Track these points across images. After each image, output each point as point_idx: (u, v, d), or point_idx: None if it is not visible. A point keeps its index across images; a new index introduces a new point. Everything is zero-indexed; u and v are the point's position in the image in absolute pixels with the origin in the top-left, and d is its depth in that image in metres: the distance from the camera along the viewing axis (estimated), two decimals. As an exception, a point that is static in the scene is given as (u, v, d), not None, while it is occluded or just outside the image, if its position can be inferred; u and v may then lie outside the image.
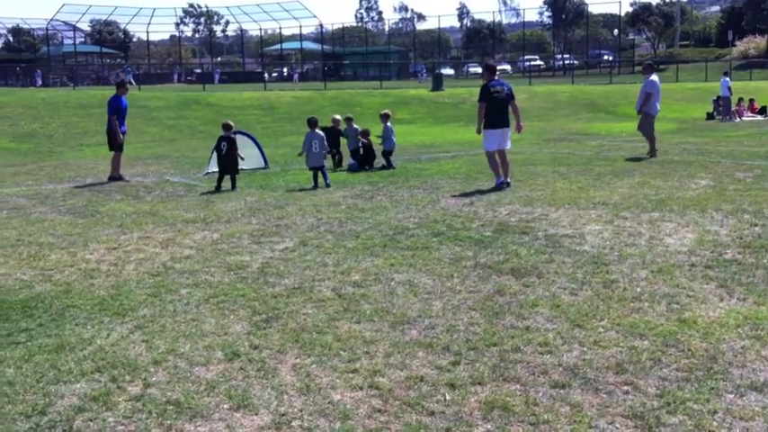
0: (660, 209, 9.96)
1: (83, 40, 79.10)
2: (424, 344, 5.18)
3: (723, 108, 30.79)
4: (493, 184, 12.50)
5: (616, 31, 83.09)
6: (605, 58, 76.16)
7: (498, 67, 61.83)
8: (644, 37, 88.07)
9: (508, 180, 12.64)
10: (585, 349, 4.98)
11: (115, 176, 14.96)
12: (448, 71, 67.79)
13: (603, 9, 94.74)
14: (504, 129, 12.88)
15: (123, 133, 15.38)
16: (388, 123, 16.45)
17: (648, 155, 16.81)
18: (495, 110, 12.75)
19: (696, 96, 40.22)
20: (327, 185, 13.15)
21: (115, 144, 15.19)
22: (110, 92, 15.85)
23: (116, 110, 15.22)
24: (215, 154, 14.86)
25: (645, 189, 11.78)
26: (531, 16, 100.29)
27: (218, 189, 13.22)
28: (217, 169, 14.21)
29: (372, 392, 4.41)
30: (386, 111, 17.33)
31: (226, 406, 4.28)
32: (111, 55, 77.98)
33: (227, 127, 14.06)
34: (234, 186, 13.33)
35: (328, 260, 7.67)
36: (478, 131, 13.09)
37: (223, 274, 7.19)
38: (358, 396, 4.38)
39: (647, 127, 17.50)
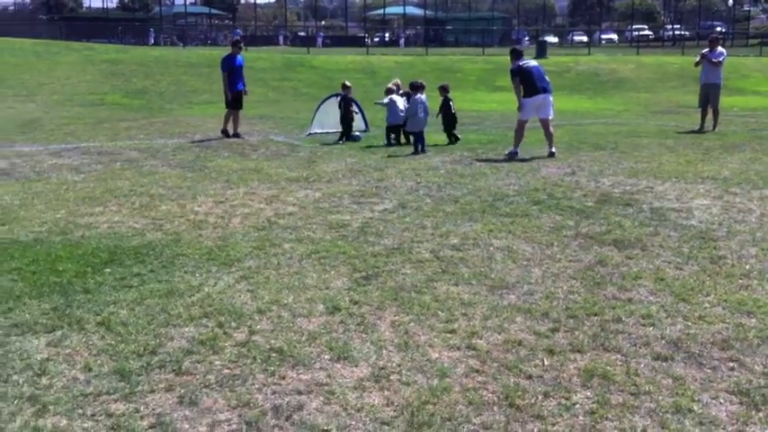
0: (773, 186, 9.57)
1: (193, 1, 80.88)
2: (523, 309, 5.17)
3: None
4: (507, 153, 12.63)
5: (731, 2, 79.30)
6: (718, 29, 72.92)
7: (604, 37, 58.97)
8: (760, 9, 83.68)
9: (552, 150, 12.59)
10: (690, 324, 4.87)
11: (224, 130, 15.40)
12: (552, 39, 66.28)
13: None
14: (543, 96, 12.74)
15: (241, 91, 15.74)
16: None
17: (714, 128, 16.34)
18: (530, 79, 12.71)
19: (816, 72, 38.13)
20: (423, 150, 13.14)
21: (228, 100, 15.59)
22: (218, 52, 16.26)
23: (229, 68, 15.60)
24: (318, 114, 15.91)
25: (756, 165, 11.33)
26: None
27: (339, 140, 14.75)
28: (319, 130, 15.77)
29: (470, 353, 4.45)
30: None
31: (327, 356, 4.40)
32: (219, 16, 79.51)
33: (343, 87, 15.61)
34: (341, 138, 14.81)
35: (427, 223, 7.71)
36: (520, 107, 12.93)
37: (324, 232, 7.33)
38: (455, 356, 4.42)
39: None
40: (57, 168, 11.30)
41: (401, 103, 14.50)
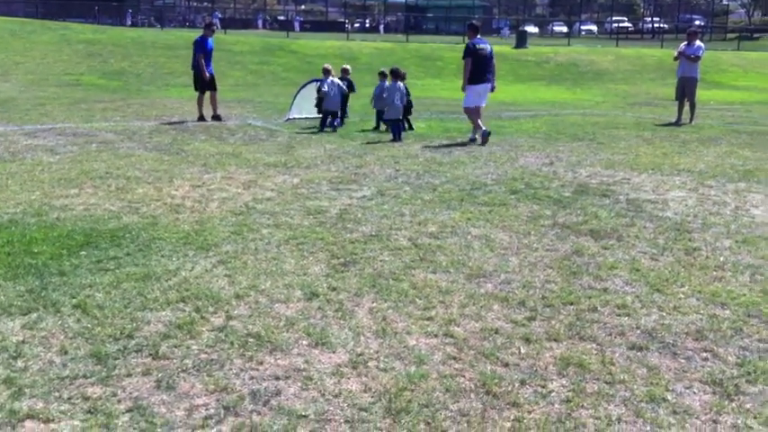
0: (747, 179, 9.69)
1: (171, -19, 79.75)
2: (500, 297, 5.20)
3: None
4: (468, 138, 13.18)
5: (710, -5, 79.77)
6: (697, 23, 73.38)
7: (584, 28, 59.19)
8: (738, 3, 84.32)
9: (484, 128, 13.02)
10: (664, 314, 4.93)
11: (201, 116, 15.29)
12: (532, 29, 66.41)
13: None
14: (485, 85, 13.26)
15: (211, 74, 15.60)
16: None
17: (690, 121, 16.53)
18: (478, 66, 13.08)
19: (792, 67, 38.52)
20: (399, 139, 13.13)
21: (202, 84, 15.43)
22: (196, 34, 16.10)
23: (202, 50, 15.44)
24: (297, 99, 15.73)
25: (732, 158, 11.45)
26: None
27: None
28: (297, 115, 15.78)
29: (447, 340, 4.47)
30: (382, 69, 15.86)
31: (305, 342, 4.41)
32: (197, -2, 78.75)
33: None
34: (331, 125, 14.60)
35: (405, 210, 7.72)
36: (463, 88, 13.34)
37: (303, 218, 7.32)
38: (433, 343, 4.44)
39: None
40: (31, 149, 11.17)
41: (335, 88, 14.77)
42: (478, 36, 13.35)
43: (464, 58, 13.13)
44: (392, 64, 21.72)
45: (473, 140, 12.99)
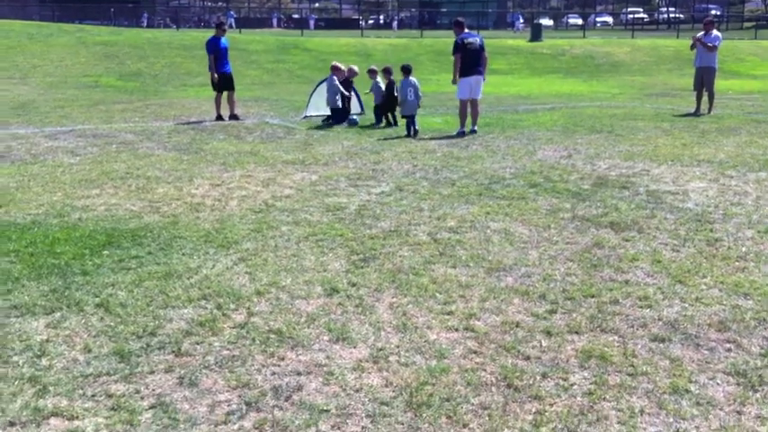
0: (768, 169, 9.61)
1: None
2: (520, 291, 5.19)
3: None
4: (455, 132, 13.32)
5: (727, -16, 79.06)
6: (713, 12, 72.75)
7: (599, 19, 58.92)
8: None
9: (474, 128, 13.38)
10: (687, 305, 4.90)
11: (218, 116, 15.36)
12: (547, 22, 66.13)
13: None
14: (476, 77, 13.49)
15: (228, 73, 15.63)
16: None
17: (709, 111, 16.45)
18: (468, 60, 13.35)
19: (811, 55, 38.11)
20: (415, 133, 13.18)
21: (218, 83, 15.51)
22: (212, 34, 16.14)
23: (214, 50, 15.50)
24: (313, 97, 15.80)
25: (752, 148, 11.35)
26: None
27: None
28: (315, 113, 15.81)
29: (468, 334, 4.47)
30: (372, 66, 16.26)
31: (326, 338, 4.42)
32: (212, -2, 79.06)
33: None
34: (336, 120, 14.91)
35: (424, 206, 7.72)
36: (454, 81, 13.62)
37: (322, 214, 7.34)
38: (454, 337, 4.44)
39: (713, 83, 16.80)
40: (52, 151, 11.27)
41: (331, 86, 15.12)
42: (466, 30, 13.65)
43: (453, 54, 13.39)
44: (406, 60, 21.74)
45: (462, 134, 13.14)
